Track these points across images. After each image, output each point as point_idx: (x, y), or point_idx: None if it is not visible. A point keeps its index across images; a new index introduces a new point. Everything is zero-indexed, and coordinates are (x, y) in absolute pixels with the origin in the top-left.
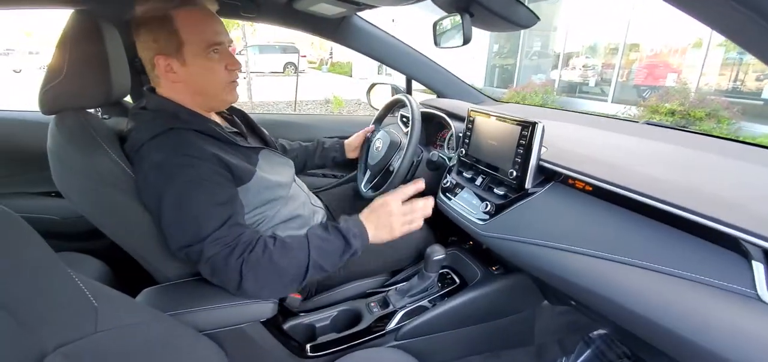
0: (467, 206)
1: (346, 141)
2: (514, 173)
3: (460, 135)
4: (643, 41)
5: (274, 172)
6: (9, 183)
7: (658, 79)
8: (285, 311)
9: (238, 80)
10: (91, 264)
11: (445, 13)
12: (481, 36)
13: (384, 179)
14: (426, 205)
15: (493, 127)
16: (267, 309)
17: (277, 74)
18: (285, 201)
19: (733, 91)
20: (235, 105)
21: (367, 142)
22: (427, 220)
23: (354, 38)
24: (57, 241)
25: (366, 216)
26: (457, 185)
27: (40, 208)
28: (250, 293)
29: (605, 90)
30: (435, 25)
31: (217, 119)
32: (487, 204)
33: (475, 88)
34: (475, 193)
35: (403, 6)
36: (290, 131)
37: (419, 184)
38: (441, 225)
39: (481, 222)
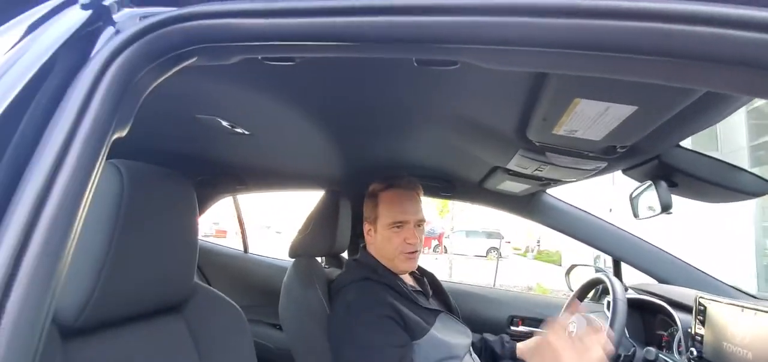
0: None
1: (519, 345)
2: None
3: (689, 330)
4: None
5: (449, 335)
6: (255, 310)
7: None
8: None
9: (415, 254)
10: None
11: (641, 184)
12: (738, 227)
13: None
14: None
15: (738, 320)
16: None
17: (480, 257)
18: None
19: None
20: (427, 270)
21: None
22: None
23: (544, 215)
24: None
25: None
26: None
27: (262, 334)
28: None
29: None
30: (631, 196)
31: (407, 277)
32: None
33: (725, 283)
34: None
35: (587, 179)
36: (480, 304)
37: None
38: None
39: None
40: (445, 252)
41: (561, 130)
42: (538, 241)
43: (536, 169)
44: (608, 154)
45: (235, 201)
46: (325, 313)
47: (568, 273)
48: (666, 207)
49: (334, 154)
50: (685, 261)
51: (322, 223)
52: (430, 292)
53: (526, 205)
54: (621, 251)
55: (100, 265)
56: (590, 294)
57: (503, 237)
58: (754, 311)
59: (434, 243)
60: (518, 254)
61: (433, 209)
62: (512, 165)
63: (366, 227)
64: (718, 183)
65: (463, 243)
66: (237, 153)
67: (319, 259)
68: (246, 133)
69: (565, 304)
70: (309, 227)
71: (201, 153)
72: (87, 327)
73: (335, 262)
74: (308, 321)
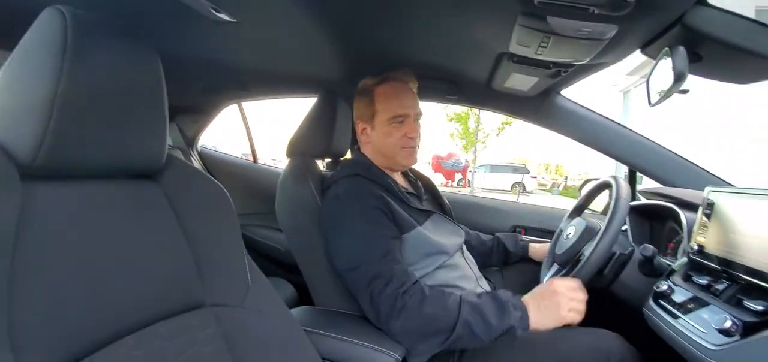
0: (693, 322)
1: (532, 246)
2: None
3: (692, 227)
4: None
5: (440, 234)
6: (265, 217)
7: None
8: None
9: (416, 148)
10: (285, 287)
11: (655, 61)
12: None
13: (571, 272)
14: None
15: (747, 210)
16: None
17: (504, 192)
18: (446, 267)
19: None
20: (421, 173)
21: (557, 233)
22: (627, 332)
23: (556, 119)
24: (271, 265)
25: (529, 298)
26: (690, 299)
27: (271, 238)
28: (396, 329)
29: None
30: (647, 81)
31: (400, 179)
32: (727, 320)
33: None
34: (712, 305)
35: (601, 62)
36: (483, 214)
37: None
38: (646, 345)
39: (713, 347)
40: (469, 186)
41: None
42: (566, 178)
43: (541, 44)
44: (618, 10)
45: (241, 109)
46: (317, 208)
47: (581, 187)
48: (680, 77)
49: (329, 52)
50: (707, 170)
51: (317, 124)
52: (424, 195)
53: (538, 108)
54: (633, 156)
55: (49, 106)
56: (601, 209)
57: (529, 172)
58: (753, 195)
59: (458, 176)
60: (544, 190)
61: (458, 143)
62: (514, 45)
63: (360, 126)
64: (754, 51)
65: (488, 178)
66: (233, 52)
67: (321, 164)
68: (232, 20)
69: (570, 210)
70: (305, 127)
71: (196, 51)
72: (49, 171)
73: (336, 167)
74: (301, 216)
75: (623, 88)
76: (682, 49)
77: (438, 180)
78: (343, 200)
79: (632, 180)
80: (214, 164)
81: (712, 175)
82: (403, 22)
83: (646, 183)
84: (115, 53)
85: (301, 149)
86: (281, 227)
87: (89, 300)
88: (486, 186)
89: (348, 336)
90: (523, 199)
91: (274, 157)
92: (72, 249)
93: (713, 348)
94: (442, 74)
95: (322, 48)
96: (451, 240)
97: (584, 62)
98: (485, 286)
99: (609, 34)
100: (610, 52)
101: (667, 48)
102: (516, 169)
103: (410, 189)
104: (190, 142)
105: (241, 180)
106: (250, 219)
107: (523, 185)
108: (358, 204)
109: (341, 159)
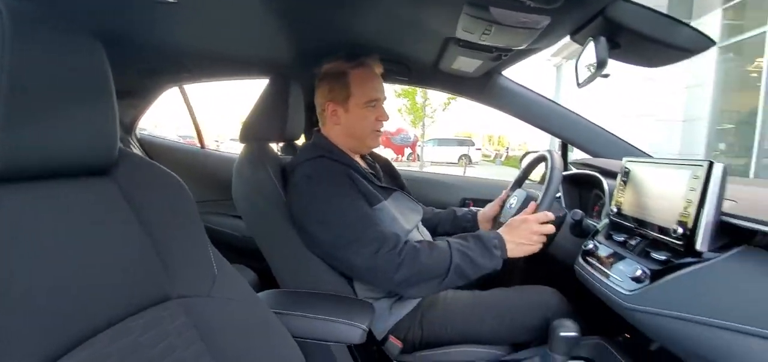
0: (612, 273)
1: (480, 211)
2: (680, 230)
3: (612, 192)
4: None
5: (401, 211)
6: (218, 204)
7: None
8: (382, 356)
9: (382, 131)
10: (246, 273)
11: (582, 48)
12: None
13: None
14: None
15: (654, 176)
16: (356, 334)
17: (452, 165)
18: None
19: None
20: (380, 156)
21: (502, 204)
22: (562, 287)
23: (498, 98)
24: (229, 253)
25: (505, 231)
26: (610, 254)
27: (227, 225)
28: (396, 282)
29: None
30: (576, 65)
31: (360, 161)
32: (638, 269)
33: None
34: (627, 258)
35: (538, 45)
36: (433, 188)
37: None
38: (578, 297)
39: (627, 292)
40: (418, 160)
41: None
42: (507, 149)
43: (484, 31)
44: (550, 3)
45: (183, 92)
46: (277, 193)
47: (521, 159)
48: (601, 64)
49: (278, 34)
50: (624, 139)
51: (271, 108)
52: (382, 176)
53: (482, 88)
54: (566, 131)
55: None
56: (538, 178)
57: (474, 144)
58: (674, 165)
59: (408, 151)
60: (488, 161)
61: (406, 119)
62: (460, 31)
63: (330, 108)
64: (661, 40)
65: (436, 152)
66: (173, 33)
67: (275, 148)
68: (172, 1)
69: (512, 182)
70: (258, 111)
71: (132, 32)
72: (2, 174)
73: (291, 150)
74: (260, 201)
75: (556, 63)
76: (603, 39)
77: (388, 155)
78: (315, 179)
79: (564, 152)
80: (155, 151)
81: (633, 146)
82: (354, 5)
83: (576, 154)
84: (58, 45)
85: (255, 134)
86: (240, 214)
87: (58, 300)
88: (434, 159)
89: (317, 313)
90: (470, 171)
91: (217, 138)
92: (35, 251)
93: (627, 292)
94: (393, 56)
95: (270, 30)
96: (410, 217)
97: (522, 48)
98: None
99: (543, 24)
100: (544, 38)
101: (591, 37)
102: (462, 142)
103: (370, 171)
104: (128, 128)
105: (187, 167)
106: (202, 207)
107: (469, 157)
108: (332, 180)
109: (296, 142)
